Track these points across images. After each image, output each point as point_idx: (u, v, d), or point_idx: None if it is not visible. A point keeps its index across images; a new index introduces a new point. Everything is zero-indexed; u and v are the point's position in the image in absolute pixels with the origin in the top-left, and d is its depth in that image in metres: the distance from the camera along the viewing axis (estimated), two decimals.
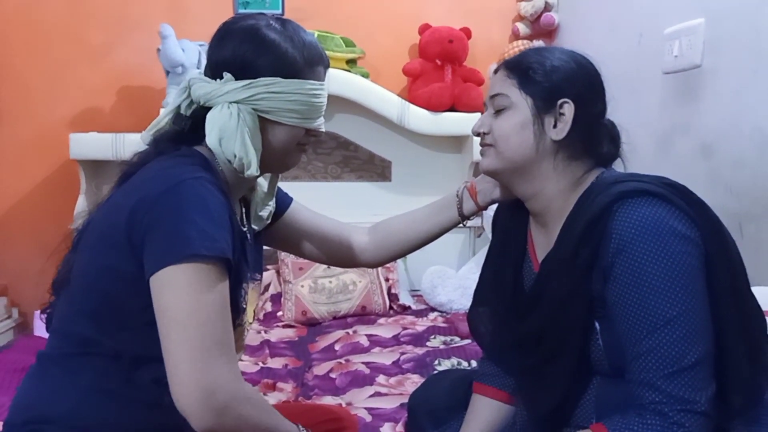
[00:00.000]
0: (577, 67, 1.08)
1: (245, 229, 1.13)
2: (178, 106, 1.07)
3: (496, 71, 1.13)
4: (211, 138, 1.02)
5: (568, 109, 1.05)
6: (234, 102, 1.02)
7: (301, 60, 1.05)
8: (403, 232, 1.32)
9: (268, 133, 1.06)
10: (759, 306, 1.03)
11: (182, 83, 1.08)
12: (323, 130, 1.12)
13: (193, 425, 0.87)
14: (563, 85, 1.05)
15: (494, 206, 1.30)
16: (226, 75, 1.03)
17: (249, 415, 0.91)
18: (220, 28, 1.07)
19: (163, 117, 1.09)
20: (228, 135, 1.01)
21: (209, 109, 1.04)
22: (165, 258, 0.89)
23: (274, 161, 1.10)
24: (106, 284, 0.97)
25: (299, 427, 1.04)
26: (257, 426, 0.93)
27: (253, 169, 1.02)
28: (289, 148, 1.09)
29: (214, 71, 1.05)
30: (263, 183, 1.21)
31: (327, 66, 1.11)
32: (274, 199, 1.22)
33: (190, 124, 1.07)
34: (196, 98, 1.05)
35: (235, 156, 1.01)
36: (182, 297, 0.88)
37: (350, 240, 1.33)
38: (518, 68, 1.08)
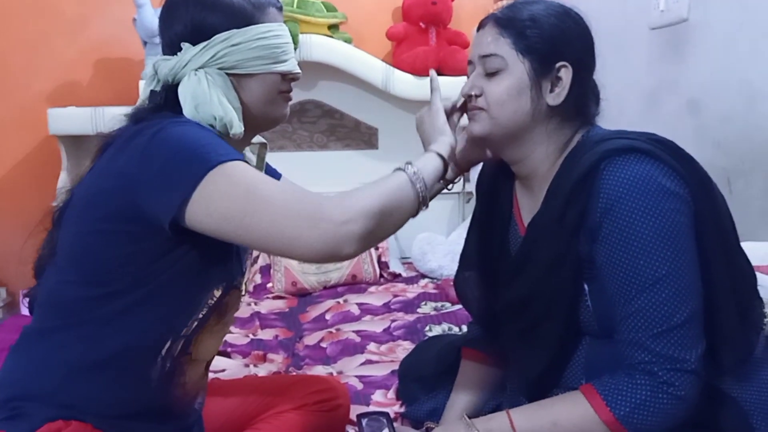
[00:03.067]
0: (574, 26, 1.03)
1: None
2: (151, 90, 1.05)
3: (482, 26, 1.07)
4: (187, 108, 0.99)
5: (566, 73, 1.01)
6: (199, 68, 1.00)
7: (249, 6, 1.03)
8: None
9: (244, 89, 1.04)
10: (748, 262, 1.03)
11: (148, 71, 1.06)
12: (299, 71, 1.09)
13: (344, 255, 0.88)
14: (561, 46, 1.01)
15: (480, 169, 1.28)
16: (184, 45, 1.01)
17: (371, 196, 0.90)
18: (163, 4, 1.06)
19: (141, 102, 1.07)
20: (202, 99, 0.99)
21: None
22: (188, 182, 0.88)
23: (261, 116, 1.07)
24: (98, 250, 0.95)
25: (407, 167, 1.00)
26: (381, 199, 0.91)
27: (236, 127, 1.00)
28: (271, 98, 1.07)
29: (172, 47, 1.04)
30: (252, 157, 1.19)
31: (279, 7, 1.09)
32: (263, 173, 1.20)
33: (166, 99, 1.04)
34: (164, 78, 1.03)
35: (215, 118, 0.99)
36: (233, 190, 0.88)
37: None
38: (512, 26, 1.02)
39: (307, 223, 0.85)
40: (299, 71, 1.09)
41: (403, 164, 1.00)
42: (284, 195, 0.88)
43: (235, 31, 1.01)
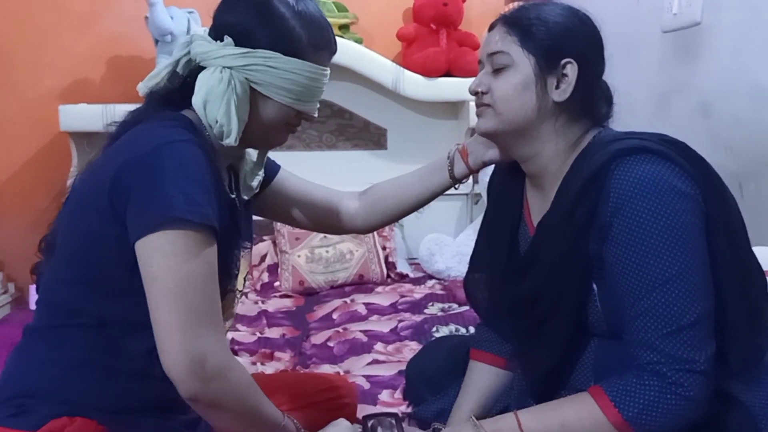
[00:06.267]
0: (581, 24, 1.04)
1: (233, 196, 1.11)
2: (177, 62, 1.05)
3: (492, 27, 1.08)
4: (197, 99, 0.99)
5: (571, 69, 1.01)
6: (228, 67, 0.99)
7: (306, 41, 1.02)
8: (394, 196, 1.30)
9: (258, 106, 1.03)
10: (759, 265, 1.02)
11: (185, 38, 1.05)
12: (315, 115, 1.10)
13: (180, 392, 0.88)
14: (566, 43, 1.02)
15: (490, 172, 1.28)
16: (227, 39, 1.00)
17: (235, 385, 0.92)
18: None
19: (162, 69, 1.06)
20: (214, 99, 0.98)
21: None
22: (150, 223, 0.88)
23: (259, 136, 1.07)
24: (89, 249, 0.95)
25: (284, 416, 1.04)
26: (241, 398, 0.93)
27: (231, 139, 0.99)
28: (277, 127, 1.07)
29: (217, 33, 1.03)
30: (252, 153, 1.19)
31: (333, 53, 1.08)
32: (263, 169, 1.20)
33: (183, 84, 1.04)
34: (194, 56, 1.02)
35: (216, 121, 0.98)
36: (171, 265, 0.87)
37: (340, 206, 1.31)
38: (519, 24, 1.03)
39: (187, 359, 0.86)
40: (315, 115, 1.10)
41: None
42: (189, 321, 0.87)
43: (279, 55, 1.00)
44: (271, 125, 1.06)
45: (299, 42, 1.01)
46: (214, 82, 0.98)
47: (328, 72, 1.08)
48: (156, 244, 0.88)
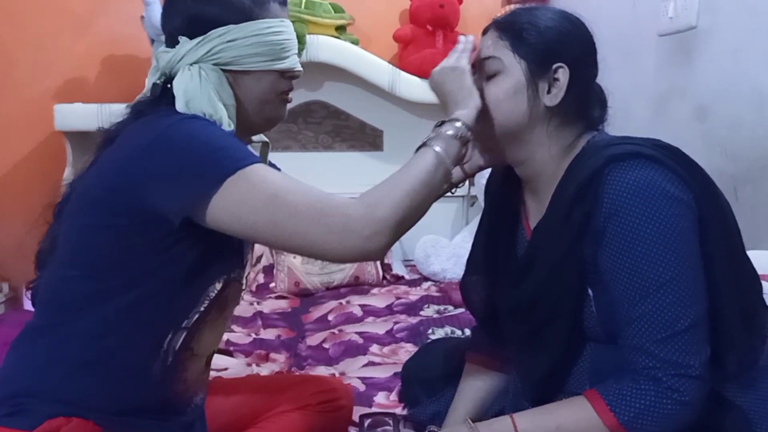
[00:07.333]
0: (572, 28, 1.04)
1: None
2: (153, 84, 1.05)
3: (485, 32, 1.09)
4: (179, 103, 0.99)
5: (563, 74, 1.02)
6: (194, 63, 1.00)
7: (247, 1, 1.02)
8: None
9: (240, 85, 1.04)
10: (754, 269, 1.02)
11: (153, 63, 1.07)
12: (299, 69, 1.08)
13: (380, 257, 0.92)
14: (558, 47, 1.02)
15: (487, 175, 1.28)
16: (181, 39, 1.02)
17: (388, 206, 0.91)
18: None
19: (142, 95, 1.07)
20: (193, 96, 0.99)
21: None
22: (204, 187, 0.89)
23: (256, 115, 1.06)
24: (101, 245, 0.95)
25: (433, 145, 0.99)
26: (401, 198, 0.92)
27: (225, 124, 0.99)
28: (268, 97, 1.06)
29: (172, 40, 1.04)
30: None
31: (282, 2, 1.07)
32: None
33: (164, 91, 1.04)
34: (161, 69, 1.03)
35: (204, 114, 0.99)
36: (257, 198, 0.89)
37: None
38: (511, 29, 1.04)
39: (337, 238, 0.88)
40: (299, 69, 1.08)
41: (431, 140, 0.99)
42: (310, 205, 0.89)
43: (231, 26, 1.00)
44: (262, 98, 1.05)
45: (242, 6, 1.02)
46: (187, 81, 0.99)
47: (288, 22, 1.07)
48: (223, 202, 0.88)
